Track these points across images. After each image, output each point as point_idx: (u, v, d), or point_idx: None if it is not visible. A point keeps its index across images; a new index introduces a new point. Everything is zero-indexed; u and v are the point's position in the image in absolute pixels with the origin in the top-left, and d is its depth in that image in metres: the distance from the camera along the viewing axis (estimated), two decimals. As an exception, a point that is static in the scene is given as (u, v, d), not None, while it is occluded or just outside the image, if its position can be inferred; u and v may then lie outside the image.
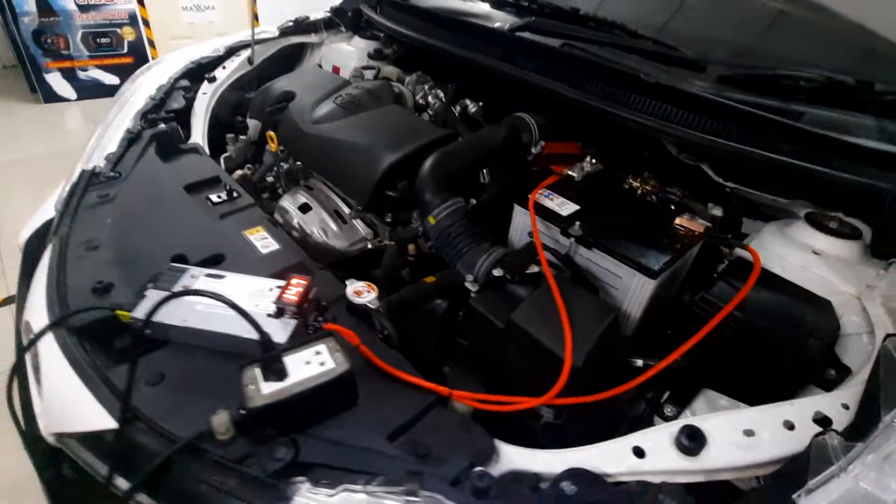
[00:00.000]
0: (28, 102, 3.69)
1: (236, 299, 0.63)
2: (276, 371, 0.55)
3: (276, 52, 1.58)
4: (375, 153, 0.97)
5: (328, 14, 1.66)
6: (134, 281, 0.76)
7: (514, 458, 0.58)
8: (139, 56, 3.88)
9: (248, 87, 1.50)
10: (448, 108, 1.19)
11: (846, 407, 0.56)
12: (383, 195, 0.98)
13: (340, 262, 1.06)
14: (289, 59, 1.65)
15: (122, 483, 0.56)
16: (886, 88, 0.88)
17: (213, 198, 1.00)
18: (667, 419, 0.74)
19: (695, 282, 0.87)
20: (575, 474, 0.51)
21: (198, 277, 0.72)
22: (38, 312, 0.72)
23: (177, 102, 1.26)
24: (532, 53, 1.08)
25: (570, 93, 0.98)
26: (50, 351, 0.66)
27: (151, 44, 4.06)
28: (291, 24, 1.60)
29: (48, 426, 0.65)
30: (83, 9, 3.53)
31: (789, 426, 0.54)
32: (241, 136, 1.37)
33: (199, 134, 1.27)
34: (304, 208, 1.12)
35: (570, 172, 0.96)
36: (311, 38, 1.65)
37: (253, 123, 1.39)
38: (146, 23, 3.96)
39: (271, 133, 1.14)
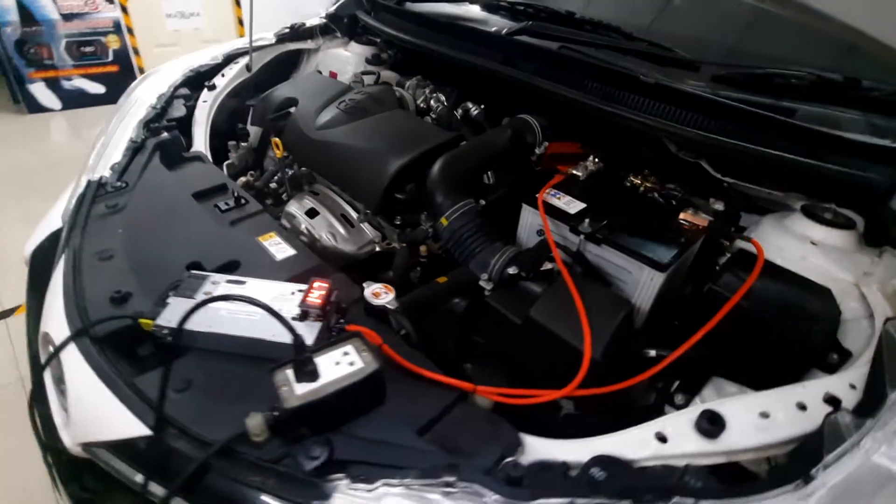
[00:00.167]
0: (11, 113, 3.63)
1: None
2: (308, 372, 0.57)
3: (272, 58, 1.59)
4: (384, 157, 0.99)
5: (323, 20, 1.67)
6: (151, 289, 0.77)
7: (539, 448, 0.60)
8: (124, 64, 3.84)
9: (245, 95, 1.51)
10: (451, 111, 1.21)
11: (853, 387, 0.59)
12: (392, 198, 0.99)
13: (348, 266, 1.08)
14: (285, 65, 1.65)
15: (156, 489, 0.57)
16: (872, 84, 0.92)
17: (222, 205, 1.00)
18: (678, 408, 0.77)
19: (697, 275, 0.90)
20: (603, 461, 0.53)
21: (219, 283, 0.73)
22: (57, 324, 0.72)
23: (177, 111, 1.26)
24: (533, 57, 1.11)
25: (571, 94, 1.01)
26: (74, 362, 0.67)
27: (136, 52, 4.02)
28: (288, 30, 1.61)
29: (75, 437, 0.65)
30: (66, 18, 3.48)
31: (802, 407, 0.57)
32: (243, 144, 1.37)
33: (201, 142, 1.27)
34: (312, 213, 1.13)
35: (574, 172, 0.99)
36: (308, 45, 1.66)
37: (254, 130, 1.39)
38: (130, 31, 3.92)
39: (277, 139, 1.15)
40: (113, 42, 3.73)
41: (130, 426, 0.59)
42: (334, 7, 1.69)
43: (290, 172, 1.22)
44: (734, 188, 0.97)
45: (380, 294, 0.77)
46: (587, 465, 0.53)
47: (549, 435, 0.62)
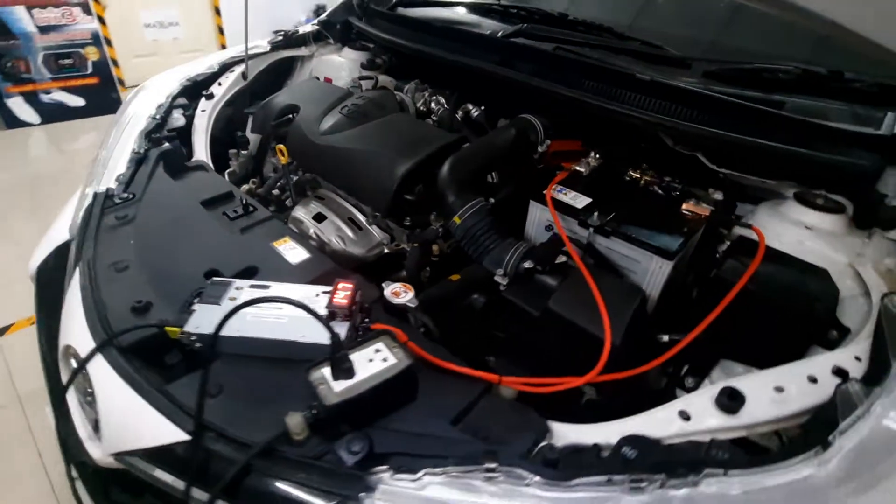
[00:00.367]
0: (-12, 130, 3.53)
1: (290, 308, 0.65)
2: (345, 370, 0.58)
3: (267, 66, 1.59)
4: (391, 160, 1.00)
5: (316, 27, 1.68)
6: (171, 298, 0.77)
7: (567, 433, 0.63)
8: (104, 76, 3.77)
9: (240, 103, 1.51)
10: (452, 113, 1.24)
11: (858, 359, 0.63)
12: (402, 200, 1.01)
13: (357, 268, 1.09)
14: (279, 73, 1.66)
15: (196, 494, 0.58)
16: (854, 76, 0.97)
17: (230, 212, 1.01)
18: (689, 390, 0.81)
19: (698, 262, 0.94)
20: (633, 440, 0.56)
21: (243, 289, 0.74)
22: (80, 336, 0.72)
23: (177, 121, 1.26)
24: (531, 58, 1.14)
25: (571, 93, 1.04)
26: (102, 372, 0.67)
27: (115, 63, 3.95)
28: (281, 38, 1.61)
29: (107, 448, 0.65)
30: (43, 30, 3.40)
31: (813, 380, 0.61)
32: (243, 152, 1.37)
33: (202, 151, 1.27)
34: (319, 218, 1.14)
35: (577, 168, 1.02)
36: (301, 52, 1.67)
37: (253, 138, 1.40)
38: (108, 42, 3.86)
39: (281, 146, 1.15)
40: (92, 54, 3.66)
41: (167, 433, 0.60)
42: (326, 14, 1.70)
43: (295, 178, 1.23)
44: (729, 178, 1.01)
45: (399, 293, 0.79)
46: (618, 444, 0.56)
47: (569, 421, 0.65)
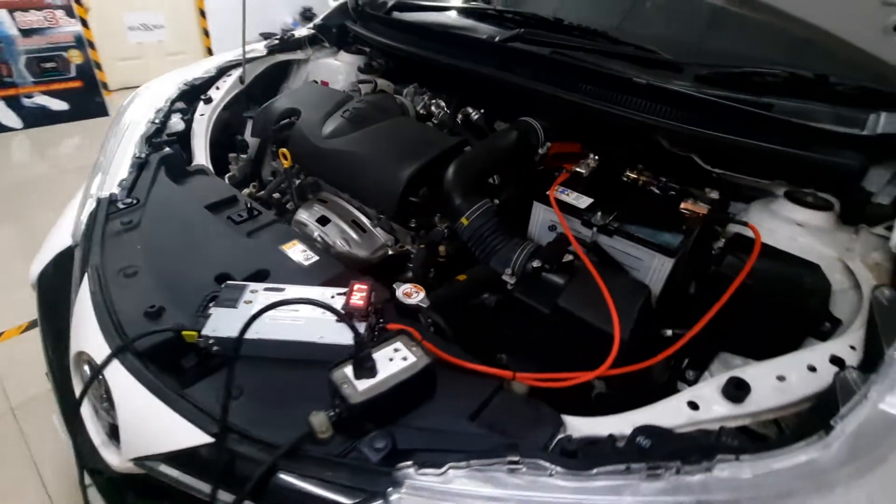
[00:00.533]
0: (-32, 135, 3.44)
1: (306, 310, 0.67)
2: (367, 369, 0.59)
3: (263, 70, 1.59)
4: (396, 164, 1.02)
5: (312, 31, 1.69)
6: (183, 302, 0.78)
7: (580, 426, 0.65)
8: (88, 80, 3.70)
9: (237, 107, 1.51)
10: (453, 116, 1.26)
11: (853, 348, 0.66)
12: (407, 202, 1.02)
13: (362, 270, 1.10)
14: (276, 76, 1.66)
15: (222, 495, 0.58)
16: (838, 80, 1.02)
17: (235, 216, 1.01)
18: (690, 383, 0.84)
19: (694, 259, 0.98)
20: (646, 430, 0.58)
21: (258, 292, 0.74)
22: (93, 342, 0.72)
23: (177, 125, 1.26)
24: (529, 62, 1.16)
25: (570, 97, 1.07)
26: (120, 378, 0.67)
27: (98, 66, 3.89)
28: (277, 41, 1.62)
29: (127, 453, 0.65)
30: (25, 33, 3.33)
31: (812, 369, 0.64)
32: (243, 155, 1.37)
33: (202, 155, 1.27)
34: (323, 220, 1.15)
35: (577, 169, 1.05)
36: (297, 55, 1.67)
37: (253, 142, 1.40)
38: (92, 45, 3.79)
39: (284, 150, 1.16)
40: (75, 57, 3.59)
41: (190, 436, 0.60)
42: (321, 18, 1.71)
43: (297, 182, 1.23)
44: (723, 178, 1.05)
45: (411, 294, 0.81)
46: (633, 434, 0.58)
47: (578, 415, 0.67)
